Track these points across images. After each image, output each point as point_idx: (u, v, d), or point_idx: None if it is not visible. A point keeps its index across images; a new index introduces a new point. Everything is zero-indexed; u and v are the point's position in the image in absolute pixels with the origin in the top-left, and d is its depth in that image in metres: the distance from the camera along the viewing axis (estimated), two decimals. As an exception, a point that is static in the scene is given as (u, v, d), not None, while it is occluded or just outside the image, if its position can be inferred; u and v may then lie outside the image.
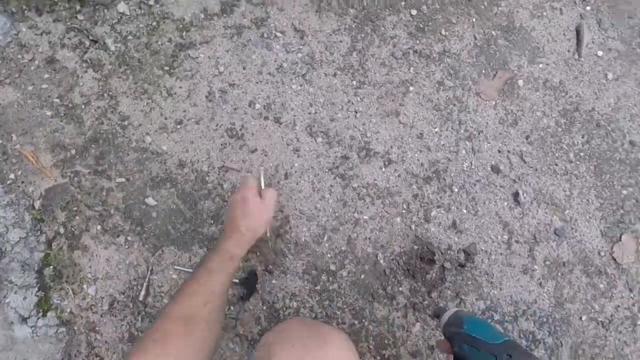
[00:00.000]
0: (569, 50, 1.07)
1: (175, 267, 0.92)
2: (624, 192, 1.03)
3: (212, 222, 0.94)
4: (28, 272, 0.86)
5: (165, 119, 0.99)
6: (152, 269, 0.91)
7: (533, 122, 1.03)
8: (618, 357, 0.98)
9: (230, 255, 0.73)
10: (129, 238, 0.94)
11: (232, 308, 0.91)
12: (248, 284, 0.93)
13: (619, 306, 1.00)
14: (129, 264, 0.92)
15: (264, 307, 0.92)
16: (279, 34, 1.01)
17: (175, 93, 0.99)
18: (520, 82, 1.05)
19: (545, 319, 0.96)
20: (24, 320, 0.83)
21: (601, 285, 1.00)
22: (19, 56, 1.00)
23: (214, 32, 1.01)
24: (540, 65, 1.06)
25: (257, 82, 1.00)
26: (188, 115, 0.98)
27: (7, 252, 0.86)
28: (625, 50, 1.08)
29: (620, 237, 1.02)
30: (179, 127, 0.98)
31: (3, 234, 0.86)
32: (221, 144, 0.97)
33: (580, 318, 0.98)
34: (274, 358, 0.55)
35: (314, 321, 0.79)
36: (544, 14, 1.09)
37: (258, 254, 0.93)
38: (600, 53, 1.07)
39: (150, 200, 0.94)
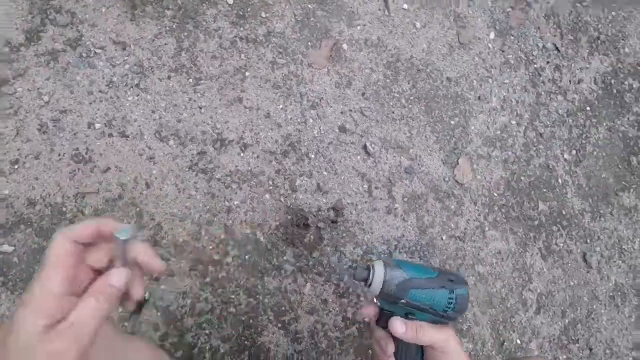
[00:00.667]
0: (379, 9, 1.31)
1: None
2: (452, 122, 1.30)
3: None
4: None
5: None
6: (29, 316, 0.97)
7: (364, 79, 1.26)
8: (477, 262, 1.26)
9: None
10: (-7, 294, 0.98)
11: (126, 324, 1.01)
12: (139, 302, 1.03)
13: (469, 220, 1.28)
14: (2, 315, 0.96)
15: (159, 313, 1.04)
16: (98, 50, 1.11)
17: (1, 134, 1.04)
18: (345, 46, 1.26)
19: (414, 248, 1.21)
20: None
21: (452, 206, 1.27)
22: None
23: (25, 63, 1.09)
24: (358, 27, 1.29)
25: (90, 103, 1.09)
26: (24, 153, 1.04)
27: None
28: None
29: (458, 161, 1.30)
30: (16, 167, 1.04)
31: None
32: (70, 172, 1.05)
33: (442, 238, 1.25)
34: None
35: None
36: (351, -20, 1.31)
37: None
38: (405, 6, 1.33)
39: (6, 247, 1.01)
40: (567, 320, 1.37)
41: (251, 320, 1.15)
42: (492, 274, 1.33)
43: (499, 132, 1.42)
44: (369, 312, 0.69)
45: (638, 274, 1.44)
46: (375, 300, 0.70)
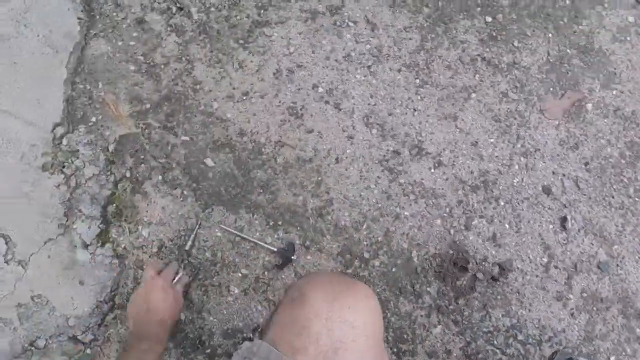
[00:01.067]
0: (649, 81, 1.05)
1: (221, 226, 1.03)
2: (683, 237, 1.01)
3: (261, 191, 1.04)
4: (95, 206, 1.00)
5: (234, 88, 1.10)
6: (200, 224, 1.03)
7: (595, 149, 1.05)
8: (643, 404, 0.97)
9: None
10: (185, 192, 1.05)
11: (266, 273, 0.99)
12: (285, 254, 1.02)
13: (653, 353, 0.99)
14: (180, 215, 1.04)
15: (296, 279, 0.99)
16: (351, 24, 1.09)
17: (246, 66, 1.10)
18: (589, 106, 1.06)
19: (570, 350, 0.97)
20: (85, 246, 0.98)
21: (638, 330, 0.99)
22: (114, 14, 1.13)
23: (289, 13, 1.11)
24: (614, 92, 1.07)
25: (323, 67, 1.08)
26: (255, 89, 1.08)
27: (81, 184, 1.01)
28: None
29: (670, 282, 1.00)
30: (244, 98, 1.08)
31: (80, 168, 1.00)
32: (281, 120, 1.06)
33: (608, 358, 0.98)
34: (308, 295, 0.62)
35: (342, 273, 0.84)
36: (628, 38, 1.09)
37: (298, 228, 1.01)
38: None
39: (209, 161, 1.05)
40: None
41: (370, 329, 1.05)
42: None
43: None
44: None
45: None
46: None
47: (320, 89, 1.14)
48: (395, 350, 1.04)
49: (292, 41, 1.17)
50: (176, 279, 0.97)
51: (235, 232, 1.07)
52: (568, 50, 1.15)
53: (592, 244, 1.07)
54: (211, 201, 1.10)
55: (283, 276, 1.08)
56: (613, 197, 1.09)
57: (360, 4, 1.18)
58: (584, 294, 1.06)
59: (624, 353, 1.03)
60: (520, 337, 1.06)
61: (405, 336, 1.05)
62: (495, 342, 1.04)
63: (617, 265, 1.06)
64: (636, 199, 1.09)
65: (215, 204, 1.10)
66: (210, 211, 1.10)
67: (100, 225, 1.05)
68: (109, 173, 1.09)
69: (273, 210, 1.09)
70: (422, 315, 1.05)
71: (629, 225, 1.08)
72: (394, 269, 1.07)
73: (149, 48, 1.18)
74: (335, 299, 0.60)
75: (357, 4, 1.18)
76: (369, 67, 1.14)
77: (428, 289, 1.06)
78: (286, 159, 1.12)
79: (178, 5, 1.18)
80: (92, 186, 1.06)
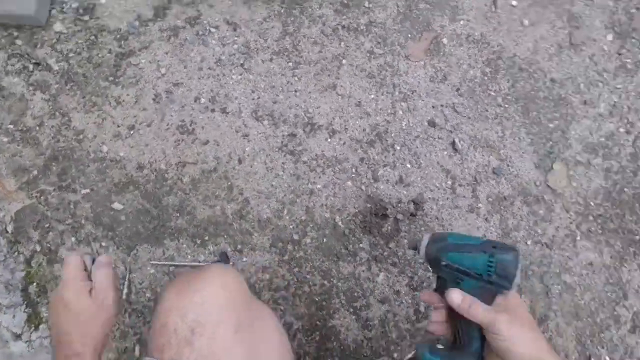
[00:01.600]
0: (485, 5, 1.10)
1: (152, 262, 0.95)
2: (550, 125, 1.07)
3: (178, 215, 0.97)
4: (13, 292, 0.88)
5: (118, 126, 0.99)
6: (130, 269, 0.94)
7: (461, 75, 1.06)
8: (564, 271, 1.03)
9: None
10: (103, 244, 0.95)
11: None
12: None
13: (558, 227, 1.05)
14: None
15: (240, 283, 0.93)
16: (213, 30, 1.01)
17: (123, 101, 1.00)
18: (445, 40, 1.07)
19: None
20: (17, 336, 0.85)
21: (541, 212, 1.04)
22: (-34, 90, 0.98)
23: (150, 37, 1.01)
24: (462, 22, 1.08)
25: (199, 78, 1.00)
26: (139, 120, 0.99)
27: (-10, 274, 0.87)
28: (535, -5, 1.10)
29: (552, 166, 1.05)
30: (132, 132, 0.99)
31: (-18, 258, 0.87)
32: (174, 142, 0.98)
33: (526, 243, 1.03)
34: (163, 296, 0.60)
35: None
36: (457, -28, 1.09)
37: (225, 236, 0.94)
38: (514, 2, 1.11)
39: (117, 205, 0.95)
40: (663, 348, 1.07)
41: (324, 302, 1.02)
42: (581, 285, 1.07)
43: (603, 139, 1.13)
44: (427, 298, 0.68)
45: None
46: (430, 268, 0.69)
47: (203, 100, 1.07)
48: (351, 310, 1.02)
49: (161, 63, 1.08)
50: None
51: (167, 263, 0.99)
52: (411, -3, 1.16)
53: (483, 155, 1.10)
54: (133, 242, 1.01)
55: (228, 284, 1.01)
56: (487, 111, 1.12)
57: (216, 8, 1.11)
58: (490, 199, 1.09)
59: (536, 234, 1.08)
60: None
61: (355, 294, 1.03)
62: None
63: (508, 166, 1.11)
64: (505, 105, 1.13)
65: (137, 243, 1.01)
66: (135, 252, 1.01)
67: (26, 310, 0.93)
68: (16, 254, 0.96)
69: (196, 228, 1.02)
70: (363, 271, 1.04)
71: (506, 130, 1.12)
72: (325, 240, 1.04)
73: (17, 114, 1.04)
74: (184, 289, 0.59)
75: (212, 10, 1.10)
76: (242, 65, 1.08)
77: (360, 245, 1.05)
78: (192, 177, 1.04)
79: (33, 61, 1.05)
80: (1, 274, 0.92)
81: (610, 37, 1.18)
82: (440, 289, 0.65)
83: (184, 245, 1.02)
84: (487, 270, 0.61)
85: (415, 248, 0.66)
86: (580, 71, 1.17)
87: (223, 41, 1.10)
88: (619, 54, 1.18)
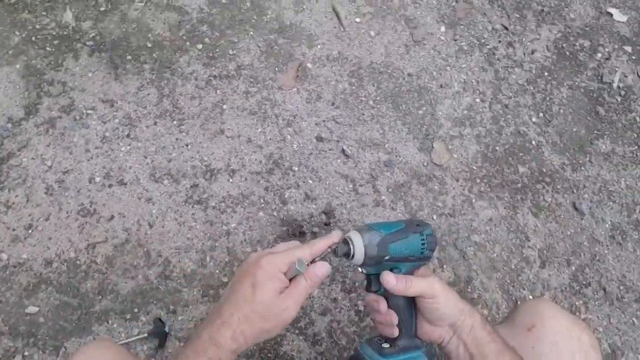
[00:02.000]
0: (334, 27, 1.25)
1: None
2: (420, 112, 1.22)
3: (100, 297, 0.96)
4: None
5: (14, 230, 0.99)
6: (61, 367, 0.89)
7: (332, 90, 1.20)
8: (471, 233, 1.15)
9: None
10: (26, 353, 0.93)
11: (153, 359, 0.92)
12: (157, 332, 0.95)
13: (454, 196, 1.18)
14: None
15: (182, 344, 0.94)
16: (90, 111, 1.07)
17: (13, 203, 1.00)
18: (309, 65, 1.21)
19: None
20: None
21: (435, 187, 1.17)
22: None
23: (27, 135, 1.04)
24: (319, 47, 1.23)
25: (88, 160, 1.04)
26: (35, 217, 0.99)
27: None
28: (374, 10, 1.28)
29: (433, 145, 1.20)
30: (30, 231, 0.99)
31: None
32: (78, 227, 0.99)
33: (433, 218, 1.14)
34: None
35: None
36: (304, 7, 1.27)
37: (155, 302, 0.95)
38: (357, 19, 1.27)
39: (32, 309, 0.94)
40: (573, 268, 1.22)
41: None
42: (489, 240, 1.20)
43: (466, 111, 1.31)
44: (360, 278, 0.66)
45: (631, 210, 1.28)
46: (360, 270, 0.64)
47: (98, 179, 1.09)
48: (297, 331, 1.06)
49: (45, 156, 1.09)
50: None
51: (99, 346, 0.97)
52: (271, 36, 1.29)
53: (372, 154, 1.23)
54: (58, 341, 0.98)
55: (170, 350, 1.01)
56: (364, 114, 1.27)
57: (88, 91, 1.15)
58: (390, 189, 1.21)
59: (438, 208, 1.21)
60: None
61: (297, 315, 1.07)
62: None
63: (396, 156, 1.24)
64: (377, 106, 1.28)
65: (64, 340, 0.98)
66: (64, 350, 0.97)
67: None
68: None
69: (122, 304, 1.02)
70: (298, 290, 1.09)
71: (385, 126, 1.26)
72: (253, 273, 1.08)
73: None
74: None
75: (85, 93, 1.15)
76: (127, 135, 1.13)
77: (289, 267, 1.10)
78: (105, 255, 1.04)
79: None
80: None
81: (443, 29, 1.40)
82: (371, 285, 0.64)
83: (115, 325, 1.01)
84: (421, 249, 0.62)
85: (348, 254, 0.60)
86: (429, 62, 1.36)
87: (103, 119, 1.14)
88: (455, 40, 1.40)
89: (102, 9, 1.23)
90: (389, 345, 0.63)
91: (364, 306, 1.11)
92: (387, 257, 0.60)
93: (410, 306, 0.63)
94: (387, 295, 0.62)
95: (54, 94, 1.15)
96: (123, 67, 1.20)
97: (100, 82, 1.18)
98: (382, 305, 0.62)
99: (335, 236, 0.59)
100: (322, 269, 0.57)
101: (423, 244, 0.62)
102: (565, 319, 0.69)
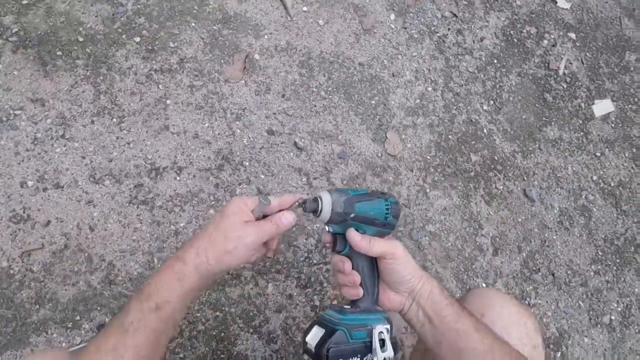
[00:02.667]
0: (281, 16, 1.23)
1: None
2: (373, 102, 1.23)
3: (37, 306, 0.93)
4: None
5: (-63, 241, 0.91)
6: (-4, 384, 0.85)
7: (281, 82, 1.18)
8: (426, 222, 1.17)
9: (158, 300, 0.54)
10: (-44, 371, 0.86)
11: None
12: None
13: (409, 186, 1.20)
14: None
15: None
16: (18, 112, 1.01)
17: None
18: (257, 56, 1.18)
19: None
20: None
21: (390, 178, 1.18)
22: None
23: (-52, 138, 0.95)
24: (266, 37, 1.21)
25: (19, 163, 0.99)
26: (-39, 226, 0.92)
27: None
28: (323, -2, 1.27)
29: (386, 135, 1.21)
30: (-44, 241, 0.91)
31: None
32: (10, 234, 0.95)
33: (408, 199, 1.14)
34: None
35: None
36: (249, -4, 1.23)
37: (99, 308, 0.92)
38: (305, 8, 1.26)
39: (-40, 323, 0.87)
40: (524, 254, 1.28)
41: (222, 333, 1.04)
42: (444, 229, 1.23)
43: (418, 100, 1.33)
44: (327, 239, 0.67)
45: (578, 196, 1.35)
46: (327, 228, 0.66)
47: (30, 182, 1.04)
48: (252, 330, 1.06)
49: (-30, 160, 1.03)
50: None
51: (38, 360, 0.93)
52: (214, 27, 1.26)
53: (325, 146, 1.23)
54: (-9, 354, 0.93)
55: (116, 357, 0.98)
56: (315, 106, 1.26)
57: (14, 90, 1.09)
58: (345, 181, 1.22)
59: (418, 200, 1.23)
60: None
61: (251, 314, 1.07)
62: (314, 260, 1.14)
63: (350, 148, 1.25)
64: (329, 97, 1.28)
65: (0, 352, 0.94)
66: (-2, 364, 0.93)
67: None
68: None
69: (63, 313, 0.98)
70: (251, 288, 1.08)
71: (338, 117, 1.27)
72: (204, 273, 1.07)
73: None
74: None
75: (11, 93, 1.09)
76: (62, 136, 1.08)
77: (241, 265, 1.09)
78: (42, 262, 1.00)
79: None
80: None
81: (392, 16, 1.41)
82: (337, 244, 0.66)
83: (55, 335, 0.97)
84: (385, 214, 0.66)
85: (316, 210, 0.63)
86: (380, 50, 1.38)
87: (33, 119, 1.08)
88: (405, 28, 1.41)
89: (25, 2, 1.16)
90: (350, 307, 0.66)
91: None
92: (352, 215, 0.63)
93: (373, 269, 0.66)
94: (352, 255, 0.65)
95: (-23, 93, 1.08)
96: (53, 64, 1.14)
97: (28, 80, 1.11)
98: (347, 265, 0.65)
99: (299, 195, 0.65)
100: (288, 216, 0.62)
101: (387, 209, 0.65)
102: (513, 305, 0.73)
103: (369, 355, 0.63)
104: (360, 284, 0.65)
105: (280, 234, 0.65)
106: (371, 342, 0.62)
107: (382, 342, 0.63)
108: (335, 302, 1.12)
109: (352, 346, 0.62)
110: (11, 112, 1.08)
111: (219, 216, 0.59)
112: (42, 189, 1.05)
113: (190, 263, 0.56)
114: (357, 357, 0.62)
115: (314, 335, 0.63)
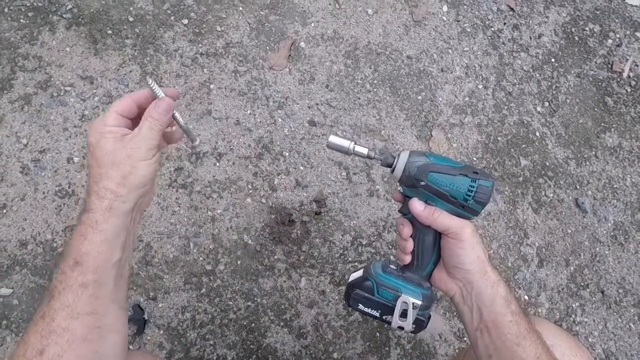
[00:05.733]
0: (329, 4, 1.25)
1: None
2: (419, 97, 1.23)
3: (77, 282, 0.96)
4: None
5: (-13, 210, 0.99)
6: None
7: (326, 72, 1.20)
8: (468, 225, 1.15)
9: (76, 255, 0.51)
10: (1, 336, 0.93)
11: (130, 348, 0.94)
12: (135, 319, 0.97)
13: (452, 186, 1.18)
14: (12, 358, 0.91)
15: (161, 332, 0.97)
16: (68, 88, 1.07)
17: (-14, 182, 0.99)
18: (302, 44, 1.21)
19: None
20: None
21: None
22: None
23: (1, 111, 1.03)
24: (313, 25, 1.23)
25: (66, 139, 1.04)
26: (10, 197, 1.00)
27: None
28: (373, -14, 1.28)
29: (431, 133, 1.21)
30: (5, 211, 1.00)
31: None
32: (56, 208, 1.01)
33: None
34: None
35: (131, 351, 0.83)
36: (298, -19, 1.25)
37: (134, 287, 0.97)
38: None
39: (5, 290, 0.96)
40: (572, 268, 1.25)
41: (253, 324, 1.07)
42: (487, 236, 1.23)
43: (467, 98, 1.32)
44: (397, 197, 0.67)
45: (636, 210, 1.31)
46: (399, 187, 0.67)
47: (76, 159, 1.10)
48: (282, 323, 1.09)
49: (20, 134, 1.10)
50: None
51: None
52: (261, 12, 1.29)
53: (367, 140, 1.25)
54: (33, 324, 1.00)
55: (149, 337, 1.03)
56: (359, 98, 1.27)
57: (66, 67, 1.15)
58: (385, 179, 1.23)
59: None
60: (364, 242, 1.19)
61: (283, 307, 1.10)
62: (349, 258, 1.15)
63: (392, 143, 1.26)
64: (374, 90, 1.29)
65: (38, 323, 1.00)
66: (38, 333, 1.00)
67: None
68: None
69: (100, 289, 1.04)
70: (284, 281, 1.11)
71: (382, 112, 1.27)
72: (239, 262, 1.11)
73: None
74: None
75: (63, 69, 1.15)
76: (108, 115, 1.13)
77: (275, 257, 1.13)
78: (83, 238, 1.06)
79: None
80: None
81: (445, 8, 1.40)
82: (405, 206, 0.65)
83: (92, 312, 1.03)
84: (465, 195, 0.61)
85: (390, 165, 0.64)
86: (430, 43, 1.37)
87: (82, 97, 1.15)
88: (457, 21, 1.40)
89: (82, -22, 1.23)
90: (395, 268, 0.67)
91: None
92: (422, 183, 0.61)
93: (433, 244, 0.65)
94: (415, 222, 0.64)
95: (30, 69, 1.15)
96: (103, 42, 1.20)
97: (79, 57, 1.18)
98: (405, 230, 0.65)
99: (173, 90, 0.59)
100: (163, 102, 0.55)
101: (471, 191, 0.61)
102: (565, 344, 0.70)
103: (389, 316, 0.66)
104: (413, 253, 0.66)
105: (170, 120, 0.56)
106: (394, 306, 0.65)
107: (404, 313, 0.64)
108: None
109: (376, 300, 0.65)
110: (62, 88, 1.14)
111: (90, 153, 0.53)
112: (87, 166, 1.11)
113: (97, 209, 0.50)
114: (377, 311, 0.66)
115: (355, 275, 0.69)
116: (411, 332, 0.66)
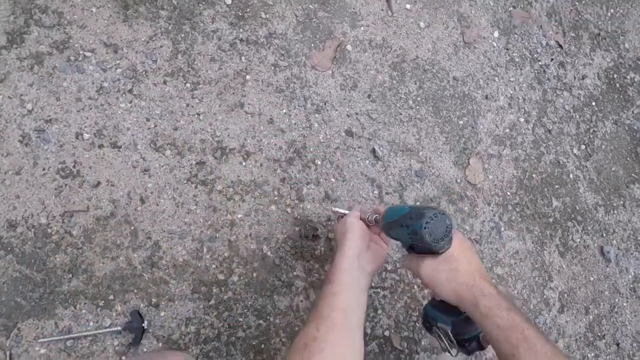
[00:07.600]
0: (382, 9, 1.13)
1: (40, 340, 0.80)
2: (461, 122, 1.13)
3: (70, 275, 0.83)
4: None
5: (-26, 180, 0.82)
6: (11, 353, 0.77)
7: (370, 81, 1.08)
8: (495, 264, 1.07)
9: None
10: (-31, 330, 0.77)
11: (123, 359, 0.79)
12: (133, 326, 0.83)
13: (484, 221, 1.10)
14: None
15: (160, 344, 0.82)
16: (88, 54, 0.91)
17: (-23, 148, 0.82)
18: (349, 47, 1.08)
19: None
20: None
21: (465, 208, 1.09)
22: None
23: (6, 67, 0.88)
24: (362, 28, 1.11)
25: (78, 111, 0.89)
26: (3, 168, 0.85)
27: None
28: (427, -1, 1.17)
29: (469, 161, 1.11)
30: (-5, 184, 0.82)
31: None
32: (55, 188, 0.85)
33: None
34: None
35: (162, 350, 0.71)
36: (352, -20, 1.12)
37: (135, 290, 0.82)
38: (408, 6, 1.15)
39: (-17, 278, 0.77)
40: (591, 317, 1.18)
41: (263, 345, 0.94)
42: (512, 275, 1.13)
43: (508, 130, 1.23)
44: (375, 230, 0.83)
45: (657, 267, 1.25)
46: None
47: (87, 135, 0.94)
48: (294, 347, 0.96)
49: (25, 97, 0.92)
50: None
51: (62, 337, 0.83)
52: (311, 6, 1.16)
53: (404, 160, 1.13)
54: (12, 320, 0.83)
55: (145, 349, 0.88)
56: (401, 114, 1.16)
57: (89, 29, 0.99)
58: (418, 202, 1.12)
59: (465, 231, 1.13)
60: (389, 267, 1.07)
61: (296, 329, 0.97)
62: (372, 283, 1.03)
63: (429, 167, 1.15)
64: (417, 107, 1.18)
65: (19, 320, 0.83)
66: (17, 332, 0.83)
67: None
68: None
69: (96, 288, 0.87)
70: (302, 300, 0.98)
71: (422, 131, 1.16)
72: (254, 274, 0.97)
73: None
74: None
75: (85, 31, 0.98)
76: (129, 91, 0.97)
77: (294, 273, 0.99)
78: (83, 227, 0.90)
79: None
80: None
81: (496, 34, 1.30)
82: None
83: (83, 311, 0.87)
84: (409, 243, 0.67)
85: (377, 221, 0.79)
86: (477, 68, 1.27)
87: (103, 66, 0.98)
88: (507, 49, 1.30)
89: None
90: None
91: (371, 329, 1.02)
92: (393, 237, 0.75)
93: None
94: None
95: (47, 25, 0.97)
96: (135, 9, 1.03)
97: (106, 21, 1.01)
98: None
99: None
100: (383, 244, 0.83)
101: (411, 238, 0.66)
102: None
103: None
104: None
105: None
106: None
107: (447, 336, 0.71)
108: (388, 332, 1.02)
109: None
110: (81, 52, 0.97)
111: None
112: (98, 145, 0.95)
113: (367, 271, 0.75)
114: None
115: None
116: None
